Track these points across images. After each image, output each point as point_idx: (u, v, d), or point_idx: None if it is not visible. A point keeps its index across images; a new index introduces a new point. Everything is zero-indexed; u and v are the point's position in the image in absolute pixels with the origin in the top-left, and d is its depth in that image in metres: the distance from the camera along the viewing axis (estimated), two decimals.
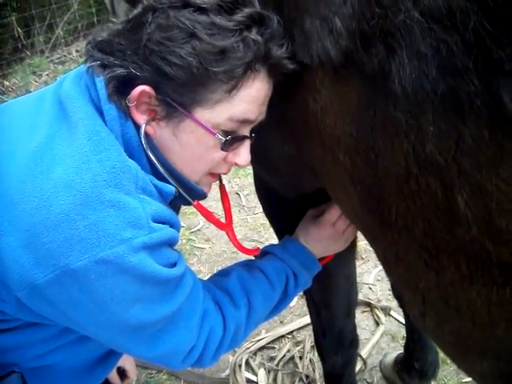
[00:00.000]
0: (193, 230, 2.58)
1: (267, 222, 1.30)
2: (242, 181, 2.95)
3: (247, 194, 2.83)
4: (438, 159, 0.51)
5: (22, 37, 4.24)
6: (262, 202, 1.26)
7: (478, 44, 0.45)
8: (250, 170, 1.20)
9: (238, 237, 2.58)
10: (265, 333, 1.97)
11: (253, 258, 1.05)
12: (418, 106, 0.51)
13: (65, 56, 4.60)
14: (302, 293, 1.22)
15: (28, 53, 4.40)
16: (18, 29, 4.15)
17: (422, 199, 0.55)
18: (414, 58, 0.50)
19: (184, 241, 2.51)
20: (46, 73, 4.36)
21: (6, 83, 4.12)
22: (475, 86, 0.45)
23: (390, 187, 0.59)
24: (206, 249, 2.47)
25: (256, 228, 2.56)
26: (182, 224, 2.60)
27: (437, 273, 0.59)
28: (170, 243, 0.74)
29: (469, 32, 0.44)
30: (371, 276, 2.23)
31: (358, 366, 1.77)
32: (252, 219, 2.63)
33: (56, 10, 4.55)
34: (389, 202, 0.60)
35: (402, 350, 1.73)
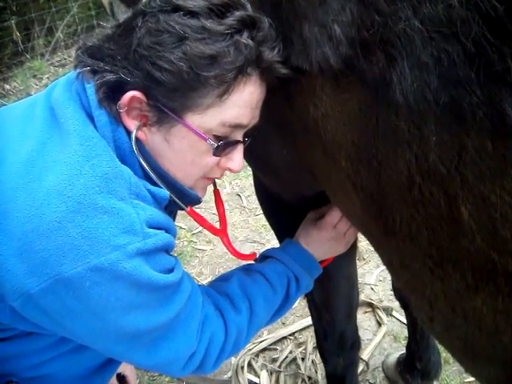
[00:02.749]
0: (194, 231, 2.58)
1: (268, 224, 1.30)
2: (242, 182, 2.95)
3: (248, 196, 2.83)
4: (440, 169, 0.51)
5: (21, 40, 4.25)
6: (262, 205, 1.25)
7: (479, 54, 0.44)
8: (250, 171, 1.19)
9: (240, 238, 2.57)
10: (267, 334, 1.97)
11: (252, 262, 1.05)
12: (420, 116, 0.51)
13: (65, 59, 4.61)
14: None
15: (28, 56, 4.40)
16: (17, 32, 4.15)
17: (425, 208, 0.55)
18: (415, 67, 0.50)
19: (185, 243, 2.51)
20: (47, 76, 4.37)
21: (7, 87, 4.13)
22: (477, 96, 0.45)
23: (392, 195, 0.59)
24: (207, 250, 2.46)
25: (257, 229, 2.56)
26: (184, 226, 2.60)
27: (442, 281, 0.59)
28: (166, 249, 0.73)
29: (470, 42, 0.44)
30: (373, 276, 2.23)
31: (361, 366, 1.77)
32: (253, 220, 2.63)
33: (55, 13, 4.55)
34: (392, 210, 0.60)
35: (404, 351, 1.73)
